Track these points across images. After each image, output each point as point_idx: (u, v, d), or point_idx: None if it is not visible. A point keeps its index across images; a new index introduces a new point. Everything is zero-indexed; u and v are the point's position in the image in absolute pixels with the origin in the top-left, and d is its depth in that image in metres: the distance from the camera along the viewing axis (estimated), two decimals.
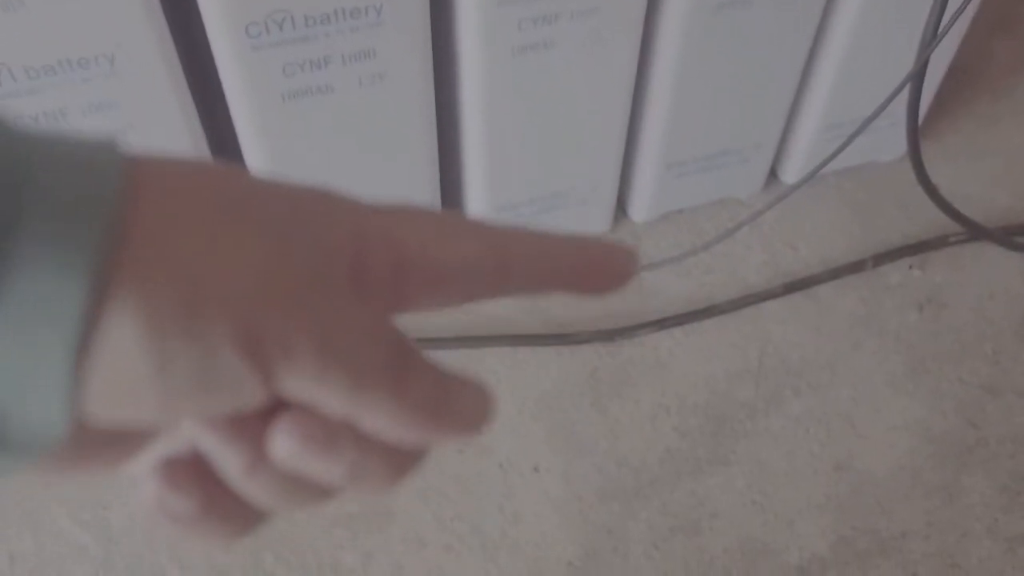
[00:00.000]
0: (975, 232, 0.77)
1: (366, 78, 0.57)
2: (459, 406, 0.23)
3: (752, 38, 0.66)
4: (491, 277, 0.23)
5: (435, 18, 0.57)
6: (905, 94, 0.67)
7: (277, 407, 0.21)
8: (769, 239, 0.78)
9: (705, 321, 0.73)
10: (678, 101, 0.69)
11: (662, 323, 0.72)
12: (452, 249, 0.23)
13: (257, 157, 0.59)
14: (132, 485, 0.63)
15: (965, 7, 0.62)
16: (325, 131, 0.59)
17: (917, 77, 0.66)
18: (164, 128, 0.55)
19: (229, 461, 0.21)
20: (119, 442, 0.22)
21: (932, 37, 0.63)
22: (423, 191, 0.67)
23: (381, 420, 0.21)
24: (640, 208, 0.79)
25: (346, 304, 0.21)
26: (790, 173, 0.82)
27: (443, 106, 0.63)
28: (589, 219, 0.77)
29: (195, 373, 0.19)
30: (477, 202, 0.71)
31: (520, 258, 0.24)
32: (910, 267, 0.77)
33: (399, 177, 0.65)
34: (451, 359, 0.70)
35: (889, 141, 0.80)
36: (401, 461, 0.22)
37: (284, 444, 0.21)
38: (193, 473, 0.22)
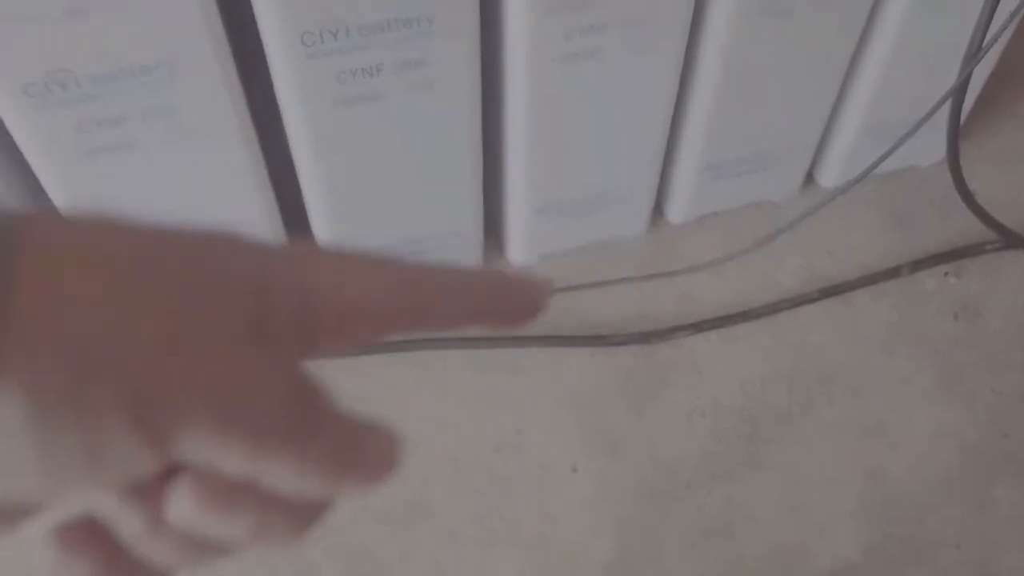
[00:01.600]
0: (1011, 240, 0.78)
1: (416, 85, 0.58)
2: (365, 458, 0.22)
3: (795, 45, 0.67)
4: (404, 316, 0.23)
5: (483, 27, 0.57)
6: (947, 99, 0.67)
7: (176, 466, 0.20)
8: (805, 243, 0.78)
9: (741, 325, 0.74)
10: (719, 106, 0.69)
11: (698, 326, 0.73)
12: (363, 291, 0.22)
13: (308, 161, 0.60)
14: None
15: (1012, 20, 0.63)
16: (374, 137, 0.60)
17: (960, 89, 0.66)
18: (218, 133, 0.56)
19: (126, 524, 0.21)
20: (9, 510, 0.21)
21: (977, 49, 0.63)
22: (467, 194, 0.68)
23: (284, 478, 0.21)
24: (677, 210, 0.79)
25: (246, 363, 0.20)
26: (826, 176, 0.82)
27: (487, 110, 0.64)
28: (626, 221, 0.78)
29: (82, 448, 0.18)
30: (517, 204, 0.71)
31: (433, 296, 0.23)
32: (945, 274, 0.78)
33: (444, 180, 0.66)
34: (491, 359, 0.71)
35: (928, 145, 0.80)
36: (305, 515, 0.22)
37: (182, 507, 0.20)
38: (90, 537, 0.21)
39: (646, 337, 0.73)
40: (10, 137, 0.53)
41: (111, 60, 0.49)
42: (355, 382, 0.70)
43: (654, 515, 0.65)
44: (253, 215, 0.62)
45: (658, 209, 0.80)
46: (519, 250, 0.77)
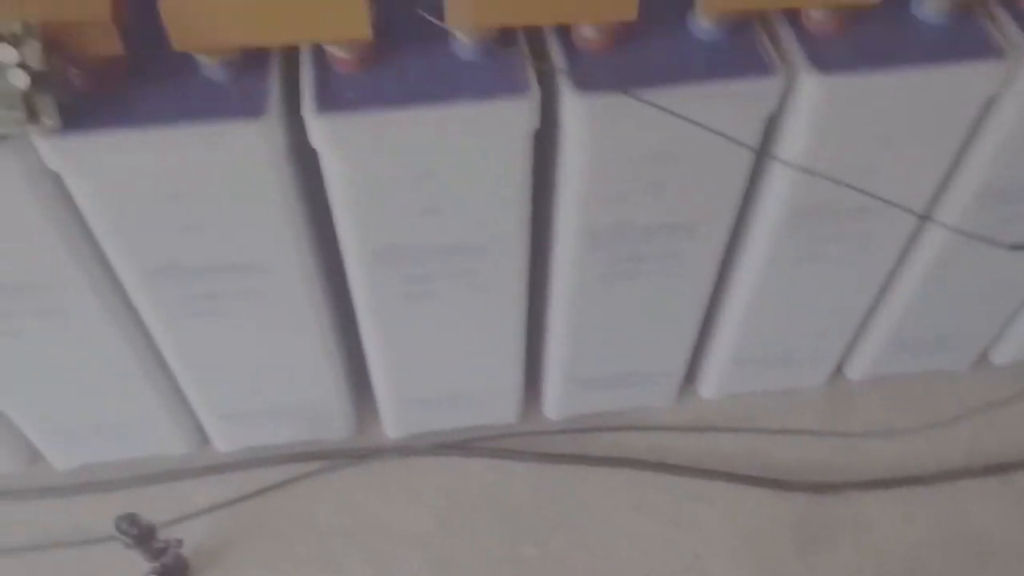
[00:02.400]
0: None
1: (669, 268, 0.68)
2: None
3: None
4: None
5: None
6: None
7: None
8: (975, 420, 0.85)
9: (907, 488, 0.81)
10: (921, 293, 0.77)
11: (868, 485, 0.81)
12: None
13: (566, 320, 0.71)
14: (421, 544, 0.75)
15: None
16: (626, 303, 0.70)
17: None
18: (504, 293, 0.67)
19: None
20: None
21: None
22: (682, 342, 0.78)
23: None
24: (857, 369, 0.87)
25: None
26: (1000, 355, 0.89)
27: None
28: (810, 374, 0.86)
29: None
30: (719, 353, 0.81)
31: None
32: None
33: (669, 332, 0.77)
34: (681, 486, 0.81)
35: None
36: None
37: None
38: None
39: (819, 488, 0.81)
40: (346, 288, 0.65)
41: (445, 239, 0.61)
42: (556, 490, 0.81)
43: None
44: (509, 353, 0.74)
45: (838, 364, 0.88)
46: (710, 388, 0.86)
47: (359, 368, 0.78)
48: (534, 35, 0.55)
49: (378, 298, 0.66)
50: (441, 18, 0.52)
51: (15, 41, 0.46)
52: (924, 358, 0.87)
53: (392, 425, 0.83)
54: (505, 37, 0.54)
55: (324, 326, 0.69)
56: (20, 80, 0.46)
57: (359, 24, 0.50)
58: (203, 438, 0.83)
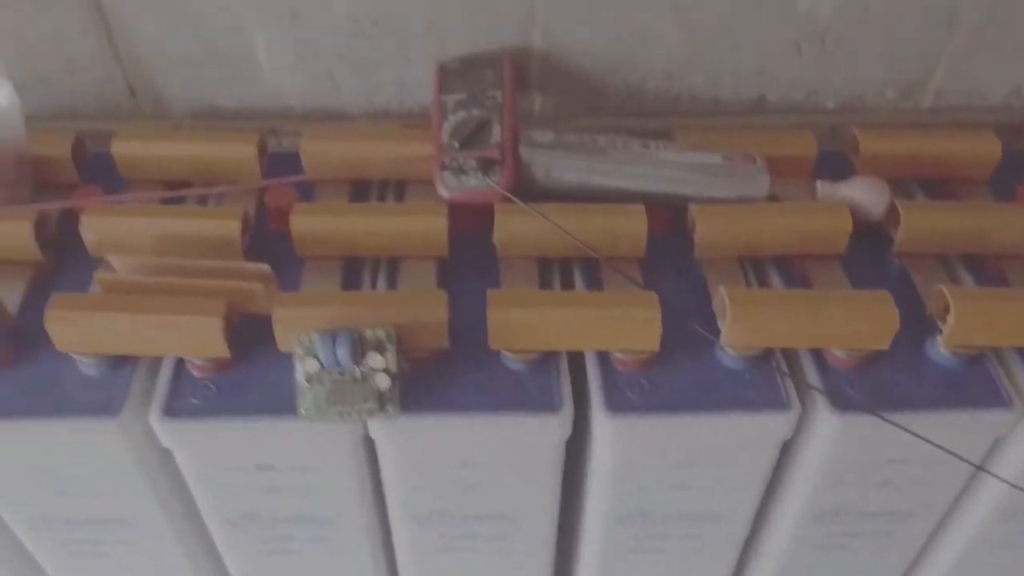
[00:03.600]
0: None
1: (879, 544, 0.73)
2: None
3: None
4: None
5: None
6: None
7: None
8: None
9: None
10: None
11: None
12: None
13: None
14: None
15: None
16: (830, 568, 0.75)
17: None
18: (723, 556, 0.73)
19: None
20: None
21: None
22: None
23: None
24: None
25: None
26: None
27: None
28: None
29: None
30: None
31: None
32: None
33: None
34: None
35: None
36: None
37: None
38: None
39: None
40: (575, 535, 0.72)
41: (687, 510, 0.68)
42: None
43: None
44: None
45: None
46: None
47: None
48: (789, 350, 0.63)
49: (609, 551, 0.72)
50: (715, 335, 0.60)
51: (379, 347, 0.56)
52: None
53: None
54: (765, 351, 0.62)
55: (549, 567, 0.75)
56: (384, 383, 0.55)
57: (651, 340, 0.59)
58: None
